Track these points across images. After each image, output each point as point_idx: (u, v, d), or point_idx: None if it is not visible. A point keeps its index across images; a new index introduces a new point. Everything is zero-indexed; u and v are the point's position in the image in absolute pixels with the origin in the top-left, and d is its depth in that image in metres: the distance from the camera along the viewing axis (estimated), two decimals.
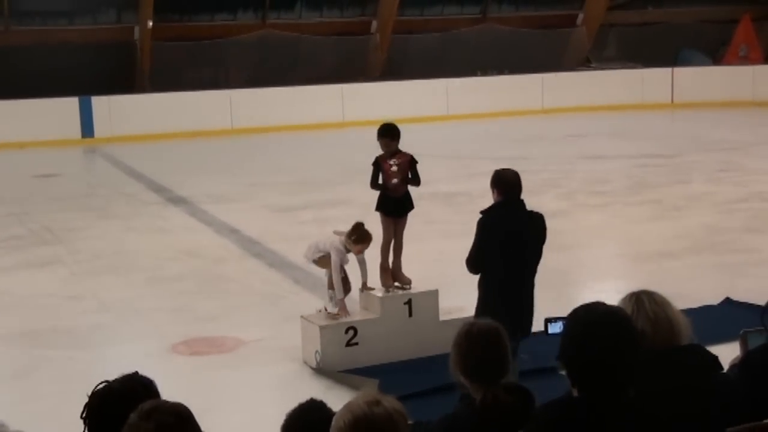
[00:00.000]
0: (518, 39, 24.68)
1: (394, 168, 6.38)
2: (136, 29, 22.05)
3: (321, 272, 7.78)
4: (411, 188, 6.55)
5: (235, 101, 21.56)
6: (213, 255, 9.52)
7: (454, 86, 23.13)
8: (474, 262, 5.04)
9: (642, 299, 2.68)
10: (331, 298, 6.24)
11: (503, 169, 5.15)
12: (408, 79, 23.04)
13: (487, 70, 24.46)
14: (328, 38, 23.42)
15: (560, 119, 22.10)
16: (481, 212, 5.05)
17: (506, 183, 5.01)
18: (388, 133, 6.51)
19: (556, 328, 2.67)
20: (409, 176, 6.50)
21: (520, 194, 4.98)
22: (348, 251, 6.12)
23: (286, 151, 18.34)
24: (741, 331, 2.90)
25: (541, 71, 23.75)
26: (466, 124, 21.87)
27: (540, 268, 8.59)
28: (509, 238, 4.92)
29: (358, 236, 6.04)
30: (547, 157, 15.88)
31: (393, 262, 6.47)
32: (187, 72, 22.46)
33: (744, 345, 2.85)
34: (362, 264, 6.19)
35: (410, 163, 6.50)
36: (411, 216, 6.57)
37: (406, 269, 6.59)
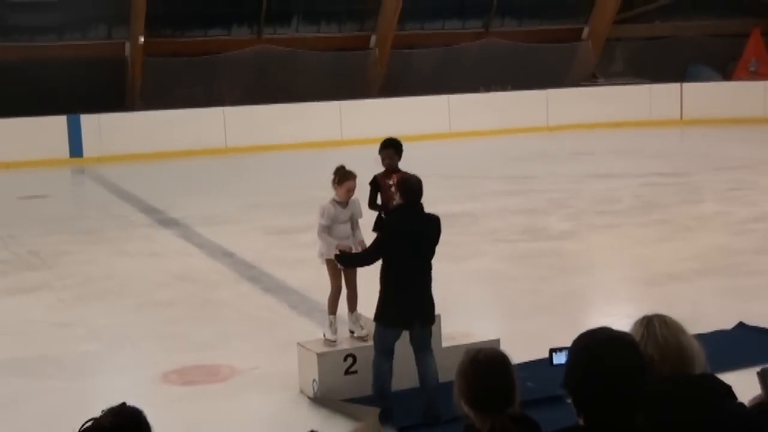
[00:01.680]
0: (522, 54, 24.81)
1: (395, 188, 6.39)
2: (127, 45, 22.16)
3: (318, 296, 7.76)
4: None
5: (230, 119, 21.63)
6: (206, 279, 9.52)
7: (456, 103, 23.22)
8: (372, 255, 5.68)
9: (653, 324, 2.66)
10: (330, 324, 6.21)
11: (407, 176, 5.75)
12: (408, 96, 23.13)
13: (490, 86, 24.56)
14: (325, 53, 23.54)
15: (566, 137, 22.18)
16: (384, 213, 5.82)
17: (409, 189, 5.56)
18: (392, 144, 6.56)
19: (561, 359, 2.65)
20: None
21: (420, 199, 5.57)
22: (339, 204, 6.10)
23: (282, 171, 18.38)
24: (759, 369, 2.85)
25: (546, 87, 23.86)
26: (468, 142, 21.93)
27: (545, 291, 8.56)
28: (408, 238, 5.53)
29: (340, 176, 6.11)
30: (553, 176, 15.91)
31: None
32: (179, 89, 22.53)
33: (763, 383, 2.80)
34: (356, 227, 6.17)
35: None
36: None
37: None
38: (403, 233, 5.53)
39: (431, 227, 5.65)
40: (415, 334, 5.65)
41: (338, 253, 5.95)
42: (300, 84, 23.41)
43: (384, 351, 5.66)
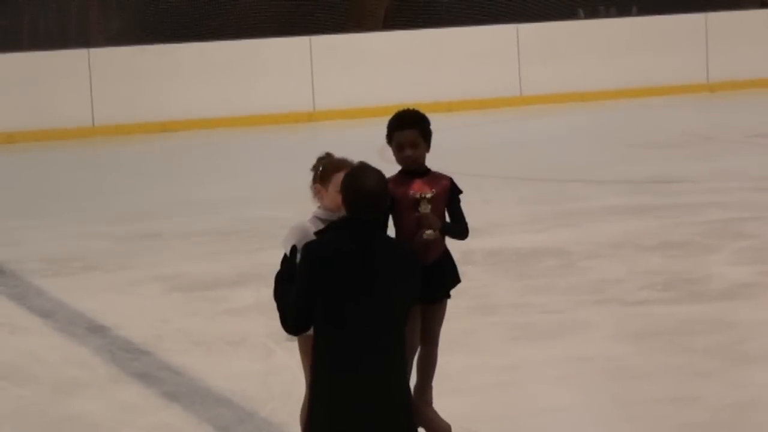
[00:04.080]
0: None
1: (426, 206, 6.38)
2: None
3: (273, 408, 7.72)
4: (451, 242, 6.57)
5: (102, 72, 21.69)
6: (56, 377, 9.50)
7: (531, 40, 23.28)
8: (292, 316, 5.61)
9: None
10: None
11: (360, 168, 5.72)
12: (438, 27, 23.18)
13: (596, 8, 24.63)
14: None
15: (743, 102, 22.16)
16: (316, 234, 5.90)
17: (356, 191, 5.54)
18: (414, 120, 6.55)
19: None
20: (447, 219, 6.52)
21: (378, 212, 5.57)
22: (322, 222, 6.21)
23: (202, 170, 18.37)
24: None
25: (704, 9, 23.89)
26: (555, 115, 21.95)
27: (705, 397, 8.55)
28: (347, 281, 5.46)
29: (326, 167, 6.31)
30: (717, 179, 15.95)
31: (418, 388, 6.48)
32: (3, 20, 22.62)
33: None
34: None
35: (449, 194, 6.53)
36: (454, 298, 6.61)
37: (447, 401, 6.59)
38: (339, 269, 5.47)
39: (398, 264, 5.60)
40: None
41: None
42: (235, 6, 23.47)
43: None
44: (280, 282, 5.76)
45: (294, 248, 5.81)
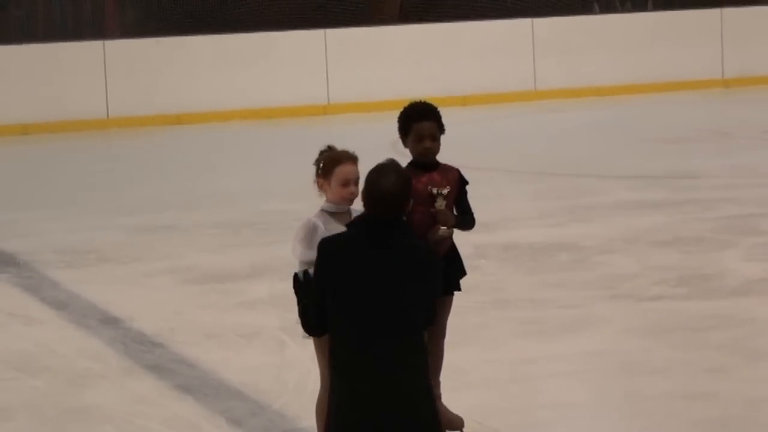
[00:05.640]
0: None
1: (442, 202, 6.37)
2: None
3: (285, 401, 7.72)
4: (464, 236, 6.56)
5: (116, 65, 21.68)
6: (69, 369, 9.51)
7: (545, 34, 23.23)
8: (306, 319, 5.59)
9: None
10: None
11: (383, 168, 5.54)
12: (452, 21, 23.15)
13: (611, 3, 24.59)
14: None
15: (756, 99, 22.09)
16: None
17: (376, 192, 5.43)
18: (428, 113, 6.53)
19: None
20: (454, 212, 6.53)
21: (398, 214, 5.45)
22: (334, 217, 6.23)
23: (215, 163, 18.37)
24: None
25: (716, 5, 23.85)
26: (569, 110, 21.90)
27: (719, 393, 8.52)
28: (357, 280, 5.39)
29: (327, 160, 6.31)
30: (732, 175, 15.92)
31: None
32: (15, 8, 22.62)
33: None
34: None
35: (459, 185, 6.53)
36: (467, 291, 6.58)
37: (460, 394, 6.58)
38: (350, 267, 5.42)
39: (413, 266, 5.50)
40: None
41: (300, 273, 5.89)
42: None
43: None
44: (298, 290, 5.72)
45: (306, 273, 5.70)
